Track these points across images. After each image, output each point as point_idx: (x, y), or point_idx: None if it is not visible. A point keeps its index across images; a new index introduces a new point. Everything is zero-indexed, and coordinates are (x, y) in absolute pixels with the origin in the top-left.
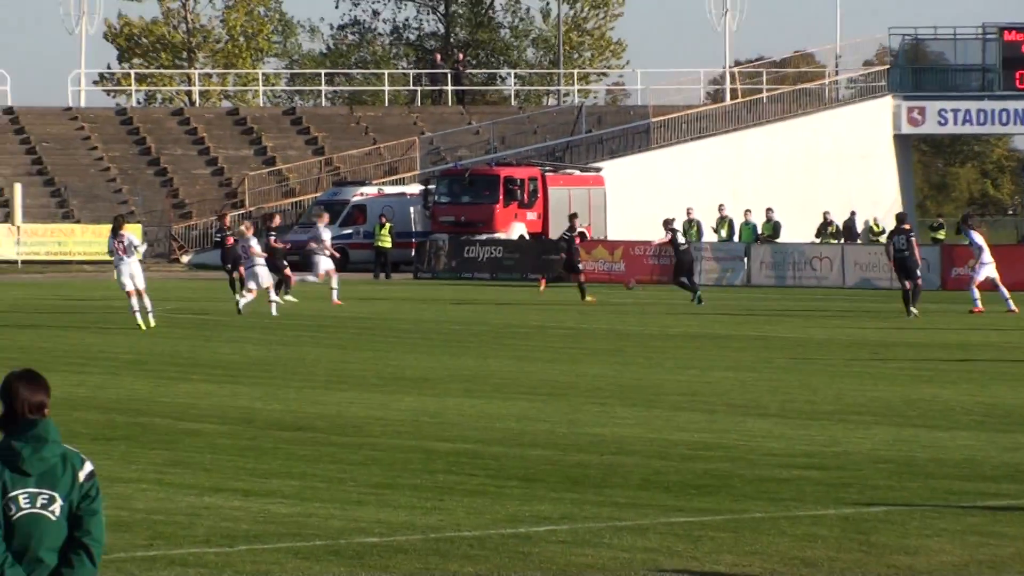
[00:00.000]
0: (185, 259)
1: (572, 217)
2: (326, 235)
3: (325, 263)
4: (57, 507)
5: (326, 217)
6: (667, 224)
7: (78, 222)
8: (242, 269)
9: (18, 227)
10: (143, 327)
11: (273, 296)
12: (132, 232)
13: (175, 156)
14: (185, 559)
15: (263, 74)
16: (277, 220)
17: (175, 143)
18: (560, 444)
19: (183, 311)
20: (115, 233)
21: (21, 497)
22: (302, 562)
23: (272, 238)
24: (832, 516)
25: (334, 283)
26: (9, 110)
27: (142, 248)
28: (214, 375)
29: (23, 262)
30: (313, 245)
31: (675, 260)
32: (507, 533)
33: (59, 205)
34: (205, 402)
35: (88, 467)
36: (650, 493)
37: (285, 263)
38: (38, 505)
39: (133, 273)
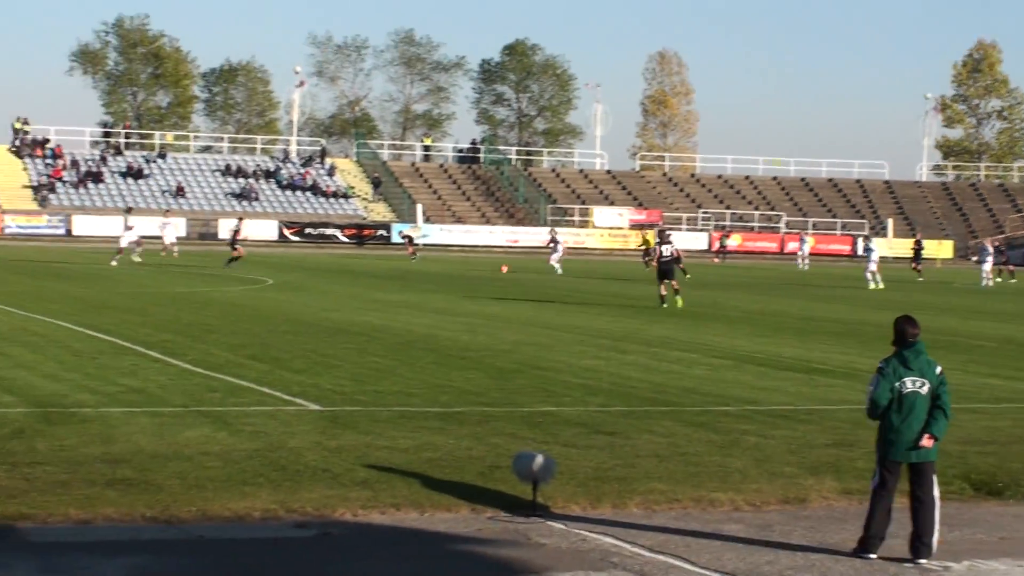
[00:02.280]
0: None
1: None
2: None
3: None
4: (926, 388)
5: None
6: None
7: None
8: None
9: (890, 241)
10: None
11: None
12: None
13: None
14: None
15: None
16: None
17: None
18: None
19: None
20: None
21: (908, 381)
22: None
23: None
24: None
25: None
26: (887, 182)
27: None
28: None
29: (892, 258)
30: None
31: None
32: None
33: (911, 231)
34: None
35: (939, 368)
36: None
37: None
38: (916, 386)
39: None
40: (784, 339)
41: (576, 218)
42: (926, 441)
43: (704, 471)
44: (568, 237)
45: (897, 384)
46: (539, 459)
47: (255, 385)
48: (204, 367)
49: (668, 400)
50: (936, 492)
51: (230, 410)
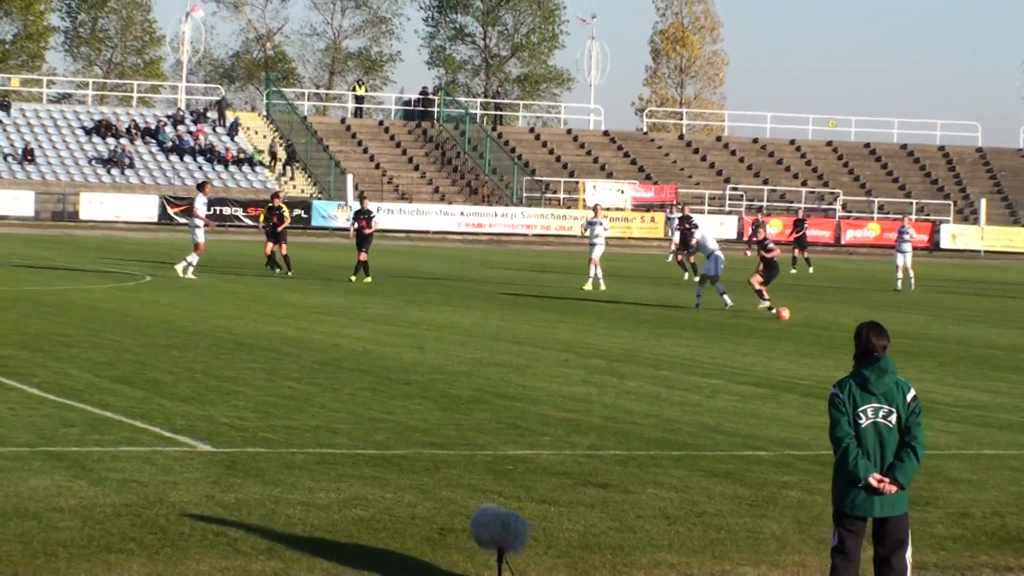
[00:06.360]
0: None
1: None
2: None
3: None
4: (893, 418)
5: None
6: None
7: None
8: None
9: (982, 228)
10: None
11: None
12: None
13: None
14: None
15: None
16: None
17: None
18: None
19: None
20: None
21: (869, 410)
22: None
23: None
24: None
25: None
26: (979, 149)
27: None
28: None
29: (984, 252)
30: None
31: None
32: None
33: (1011, 215)
34: None
35: (912, 392)
36: None
37: None
38: (880, 416)
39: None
40: (837, 358)
41: (561, 195)
42: (888, 487)
43: (729, 537)
44: (549, 221)
45: (855, 415)
46: (507, 520)
47: (125, 418)
48: (57, 392)
49: (681, 442)
50: (908, 556)
51: (92, 451)
